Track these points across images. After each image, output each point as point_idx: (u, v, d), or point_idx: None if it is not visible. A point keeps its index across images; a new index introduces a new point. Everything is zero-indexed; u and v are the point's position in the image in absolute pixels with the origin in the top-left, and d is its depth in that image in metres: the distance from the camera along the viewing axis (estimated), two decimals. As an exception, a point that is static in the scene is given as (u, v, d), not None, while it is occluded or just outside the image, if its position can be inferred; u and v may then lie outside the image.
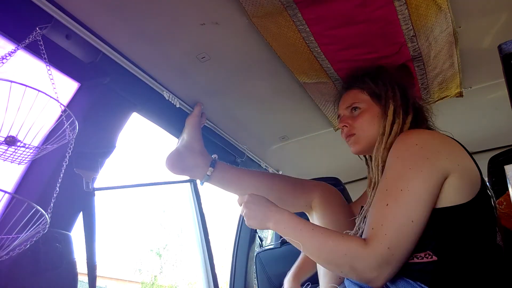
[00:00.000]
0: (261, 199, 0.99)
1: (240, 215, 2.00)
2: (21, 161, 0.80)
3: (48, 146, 0.83)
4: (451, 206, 0.83)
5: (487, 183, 0.93)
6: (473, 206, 0.84)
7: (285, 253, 1.77)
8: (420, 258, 0.82)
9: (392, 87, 1.07)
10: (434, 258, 0.81)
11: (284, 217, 0.93)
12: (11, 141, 0.76)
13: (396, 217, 0.81)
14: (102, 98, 1.15)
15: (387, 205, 0.83)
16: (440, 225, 0.82)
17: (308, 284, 1.25)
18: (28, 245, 0.80)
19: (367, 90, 1.10)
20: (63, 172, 0.91)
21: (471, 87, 1.41)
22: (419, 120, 1.05)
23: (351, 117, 1.10)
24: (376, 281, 0.80)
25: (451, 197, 0.83)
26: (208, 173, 1.21)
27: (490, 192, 0.92)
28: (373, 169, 1.02)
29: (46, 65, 0.90)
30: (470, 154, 0.91)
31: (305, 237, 0.88)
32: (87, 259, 1.06)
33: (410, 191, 0.82)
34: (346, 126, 1.10)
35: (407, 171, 0.85)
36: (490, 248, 0.85)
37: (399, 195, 0.82)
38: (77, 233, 1.08)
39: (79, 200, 1.09)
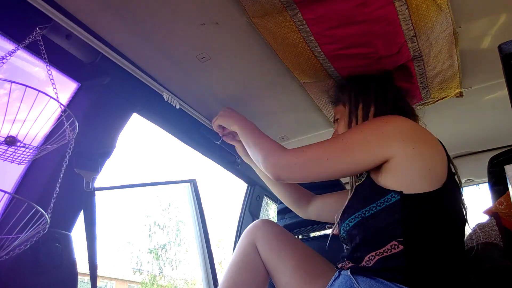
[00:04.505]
0: (235, 113, 1.24)
1: (241, 215, 2.01)
2: (21, 161, 0.80)
3: (48, 146, 0.83)
4: (416, 194, 0.86)
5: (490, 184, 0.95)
6: (437, 196, 0.87)
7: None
8: (388, 251, 0.84)
9: (367, 94, 1.12)
10: (401, 247, 0.83)
11: (246, 124, 1.17)
12: (11, 141, 0.76)
13: (321, 149, 0.96)
14: (102, 98, 1.15)
15: (326, 141, 0.99)
16: (405, 210, 0.85)
17: None
18: (28, 245, 0.80)
19: (348, 103, 1.16)
20: (63, 172, 0.91)
21: (471, 87, 1.41)
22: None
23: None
24: (274, 175, 0.99)
25: (415, 185, 0.86)
26: None
27: (457, 183, 0.95)
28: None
29: (46, 65, 0.90)
30: (445, 150, 0.95)
31: (253, 137, 1.11)
32: (88, 259, 1.06)
33: (346, 142, 0.94)
34: None
35: (357, 131, 0.95)
36: (455, 237, 0.89)
37: (337, 141, 0.96)
38: (78, 233, 1.08)
39: (79, 200, 1.09)
